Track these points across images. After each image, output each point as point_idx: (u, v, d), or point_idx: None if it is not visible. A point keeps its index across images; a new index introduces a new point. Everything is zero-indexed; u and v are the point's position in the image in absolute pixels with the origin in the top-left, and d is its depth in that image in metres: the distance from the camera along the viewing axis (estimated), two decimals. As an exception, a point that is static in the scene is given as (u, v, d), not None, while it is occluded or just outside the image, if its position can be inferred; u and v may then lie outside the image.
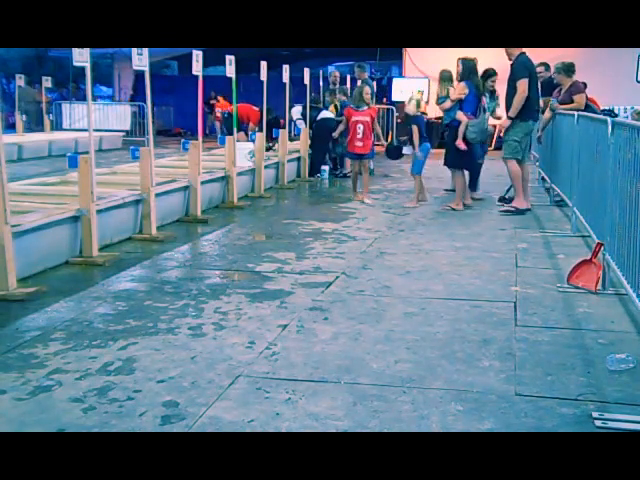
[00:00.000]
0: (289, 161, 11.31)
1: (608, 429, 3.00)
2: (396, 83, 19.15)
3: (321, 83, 13.87)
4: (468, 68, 8.68)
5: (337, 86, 13.01)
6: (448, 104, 8.73)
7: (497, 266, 5.82)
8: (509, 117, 8.24)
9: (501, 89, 8.80)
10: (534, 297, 4.94)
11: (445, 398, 3.29)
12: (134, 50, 6.54)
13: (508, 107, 8.31)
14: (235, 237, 7.15)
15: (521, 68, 8.10)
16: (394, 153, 10.44)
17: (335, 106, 12.34)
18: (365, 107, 9.29)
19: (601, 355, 3.83)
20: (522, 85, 8.09)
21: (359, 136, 9.17)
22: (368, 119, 9.23)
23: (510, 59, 8.22)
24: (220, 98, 18.60)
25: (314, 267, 5.75)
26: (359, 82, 11.95)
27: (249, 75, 14.39)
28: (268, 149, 11.46)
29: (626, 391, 3.39)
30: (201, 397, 3.27)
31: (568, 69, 8.60)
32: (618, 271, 4.70)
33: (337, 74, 13.46)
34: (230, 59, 8.82)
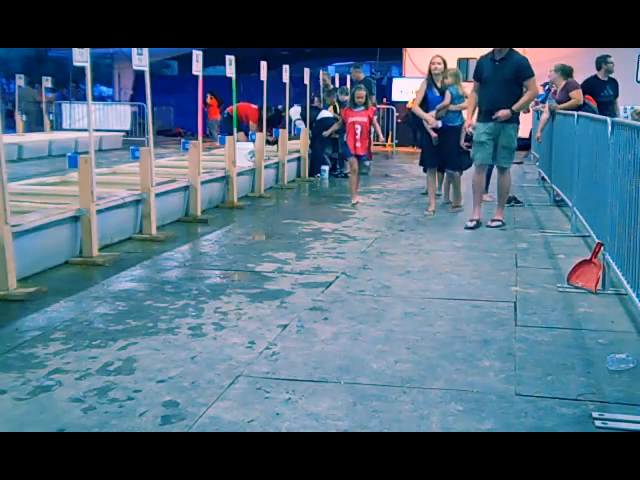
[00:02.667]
0: (289, 161, 11.31)
1: (608, 429, 3.00)
2: (396, 83, 19.16)
3: (321, 83, 13.90)
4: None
5: (333, 86, 13.09)
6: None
7: (497, 266, 5.82)
8: (512, 111, 7.21)
9: None
10: (534, 297, 4.94)
11: (445, 398, 3.29)
12: (134, 50, 6.54)
13: (495, 107, 7.21)
14: (235, 237, 7.15)
15: (528, 66, 7.31)
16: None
17: (334, 107, 12.35)
18: (362, 108, 9.03)
19: (601, 355, 3.83)
20: (536, 84, 7.50)
21: (357, 137, 8.96)
22: (365, 120, 9.02)
23: (498, 56, 7.20)
24: (213, 100, 18.52)
25: (314, 267, 5.74)
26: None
27: (249, 75, 14.39)
28: (270, 143, 11.46)
29: (626, 391, 3.39)
30: (201, 397, 3.27)
31: (566, 72, 8.58)
32: (618, 271, 4.70)
33: (325, 75, 13.70)
34: (230, 59, 8.82)
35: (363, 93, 9.04)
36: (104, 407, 3.15)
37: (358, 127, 8.92)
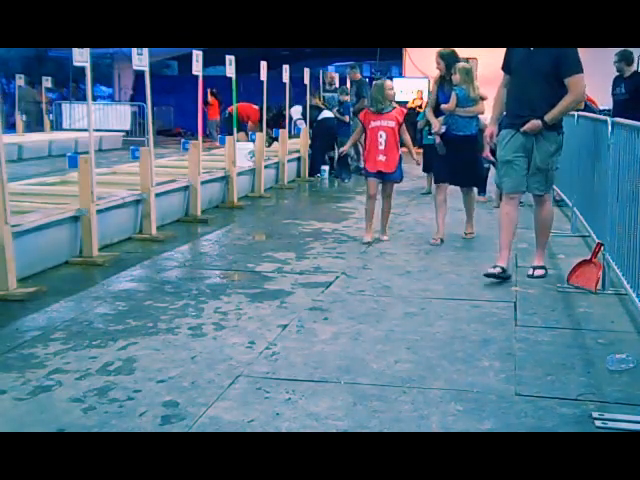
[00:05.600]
0: (289, 161, 11.32)
1: (608, 429, 3.00)
2: (396, 83, 19.15)
3: (321, 83, 13.94)
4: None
5: (333, 87, 13.11)
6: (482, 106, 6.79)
7: (497, 266, 5.81)
8: (545, 122, 5.14)
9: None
10: (534, 297, 4.94)
11: (445, 398, 3.29)
12: (134, 50, 6.54)
13: (524, 109, 5.23)
14: (235, 237, 7.15)
15: (575, 57, 5.17)
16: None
17: (323, 104, 12.42)
18: (389, 109, 6.77)
19: (601, 355, 3.82)
20: (581, 85, 5.22)
21: (381, 147, 6.68)
22: (393, 124, 6.70)
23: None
24: (214, 100, 18.48)
25: (314, 267, 5.74)
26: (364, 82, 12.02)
27: (249, 75, 14.40)
28: (270, 144, 11.47)
29: (626, 391, 3.39)
30: (201, 397, 3.27)
31: None
32: (618, 271, 4.70)
33: (333, 75, 13.66)
34: (230, 59, 8.83)
35: (391, 84, 6.98)
36: (104, 407, 3.15)
37: (382, 134, 6.69)
